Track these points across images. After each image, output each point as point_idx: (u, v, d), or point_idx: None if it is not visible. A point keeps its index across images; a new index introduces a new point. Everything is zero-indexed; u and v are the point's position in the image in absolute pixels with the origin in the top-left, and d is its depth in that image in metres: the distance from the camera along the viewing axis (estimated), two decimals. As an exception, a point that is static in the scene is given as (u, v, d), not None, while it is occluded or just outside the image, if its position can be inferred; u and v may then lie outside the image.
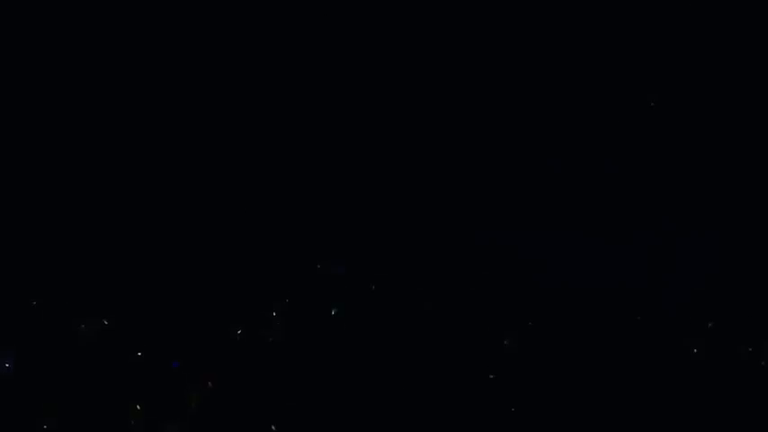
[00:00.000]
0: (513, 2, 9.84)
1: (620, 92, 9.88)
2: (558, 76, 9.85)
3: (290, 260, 9.85)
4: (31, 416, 9.09)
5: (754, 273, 9.75)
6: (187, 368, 9.43)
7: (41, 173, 9.75)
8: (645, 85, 9.83)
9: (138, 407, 9.23)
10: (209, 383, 9.36)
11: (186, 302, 9.69)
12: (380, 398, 9.43)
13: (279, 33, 9.90)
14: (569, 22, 9.83)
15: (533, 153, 9.94)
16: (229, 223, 9.85)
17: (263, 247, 9.86)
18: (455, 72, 9.91)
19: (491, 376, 9.52)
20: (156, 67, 9.84)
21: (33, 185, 9.73)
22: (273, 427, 9.28)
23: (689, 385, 9.42)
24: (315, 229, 9.89)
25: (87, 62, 9.77)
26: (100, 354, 9.44)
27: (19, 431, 9.03)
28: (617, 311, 9.70)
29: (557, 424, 9.34)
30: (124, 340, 9.51)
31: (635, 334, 9.64)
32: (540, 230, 9.83)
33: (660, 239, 9.80)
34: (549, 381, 9.50)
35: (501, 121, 9.92)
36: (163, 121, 9.86)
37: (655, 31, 9.77)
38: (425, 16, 9.84)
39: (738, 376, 9.43)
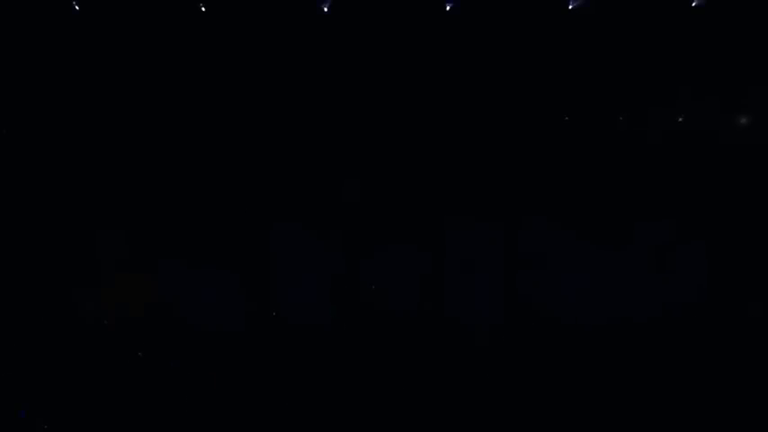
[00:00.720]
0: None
1: (619, 95, 9.90)
2: (558, 79, 9.86)
3: (289, 259, 9.90)
4: (32, 416, 9.15)
5: (754, 273, 9.76)
6: (187, 368, 9.49)
7: (41, 172, 9.80)
8: (644, 91, 9.84)
9: (137, 405, 9.30)
10: (210, 383, 9.41)
11: (186, 301, 9.74)
12: (380, 398, 9.46)
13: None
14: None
15: (534, 153, 9.95)
16: (229, 222, 9.90)
17: (263, 247, 9.90)
18: (454, 74, 9.93)
19: (490, 376, 9.56)
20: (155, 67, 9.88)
21: (33, 185, 9.78)
22: (272, 427, 9.33)
23: (689, 385, 9.43)
24: (314, 228, 9.92)
25: (85, 64, 9.81)
26: (100, 354, 9.50)
27: (19, 431, 9.10)
28: (616, 311, 9.71)
29: (557, 424, 9.35)
30: (124, 340, 9.58)
31: (635, 334, 9.65)
32: (540, 230, 9.84)
33: (660, 240, 9.81)
34: (548, 381, 9.52)
35: (501, 121, 9.93)
36: (162, 123, 9.89)
37: (658, 43, 9.76)
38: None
39: (738, 377, 9.43)
